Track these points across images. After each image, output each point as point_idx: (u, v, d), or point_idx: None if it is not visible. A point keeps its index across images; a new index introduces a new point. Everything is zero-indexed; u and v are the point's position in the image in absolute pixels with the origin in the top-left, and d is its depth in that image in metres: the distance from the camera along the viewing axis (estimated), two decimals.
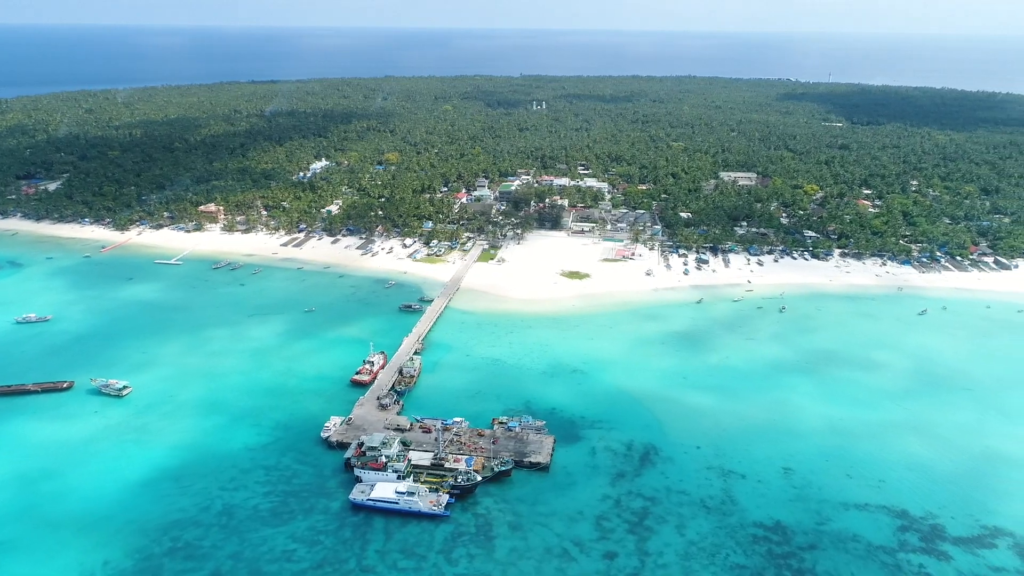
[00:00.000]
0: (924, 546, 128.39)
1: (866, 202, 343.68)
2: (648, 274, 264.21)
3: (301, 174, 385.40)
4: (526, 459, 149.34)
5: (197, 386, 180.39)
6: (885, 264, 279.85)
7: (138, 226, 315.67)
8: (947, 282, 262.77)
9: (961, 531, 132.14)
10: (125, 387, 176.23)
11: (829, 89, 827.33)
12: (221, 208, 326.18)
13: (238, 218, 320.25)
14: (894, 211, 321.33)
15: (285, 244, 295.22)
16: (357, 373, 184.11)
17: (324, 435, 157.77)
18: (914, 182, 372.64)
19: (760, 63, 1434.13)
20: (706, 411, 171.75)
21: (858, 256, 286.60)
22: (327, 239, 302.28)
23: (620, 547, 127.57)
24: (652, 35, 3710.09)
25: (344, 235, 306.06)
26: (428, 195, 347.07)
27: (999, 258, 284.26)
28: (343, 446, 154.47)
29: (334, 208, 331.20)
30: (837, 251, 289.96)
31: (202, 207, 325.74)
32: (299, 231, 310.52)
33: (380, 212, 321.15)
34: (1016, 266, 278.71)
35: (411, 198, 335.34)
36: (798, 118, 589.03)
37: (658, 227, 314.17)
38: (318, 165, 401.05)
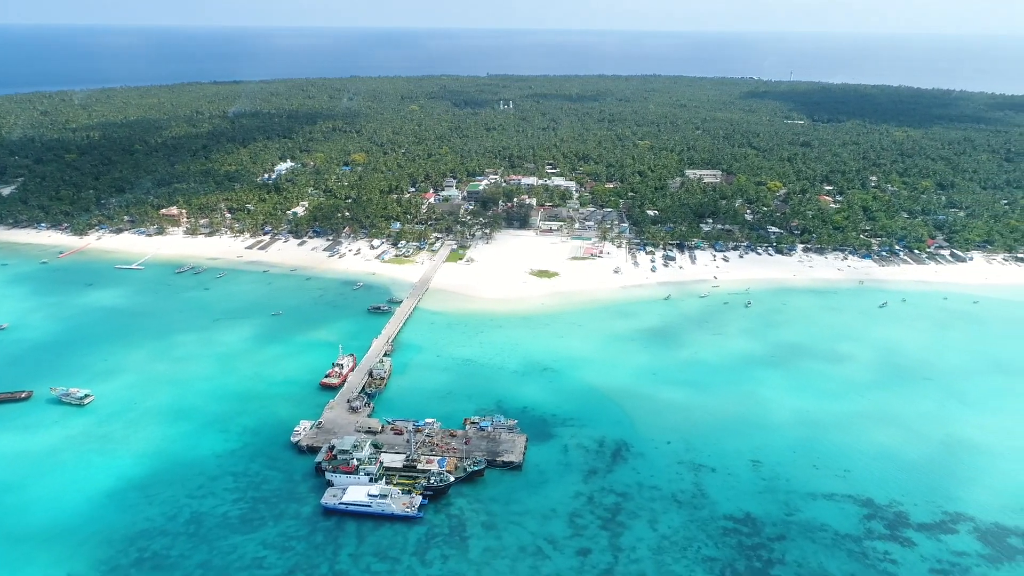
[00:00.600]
0: (889, 533, 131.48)
1: (827, 198, 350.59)
2: (616, 272, 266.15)
3: (266, 176, 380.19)
4: (499, 458, 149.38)
5: (162, 393, 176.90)
6: (847, 258, 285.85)
7: (97, 231, 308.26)
8: (906, 275, 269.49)
9: (924, 517, 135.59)
10: (87, 396, 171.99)
11: (791, 87, 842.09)
12: (184, 211, 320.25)
13: (201, 221, 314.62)
14: (854, 206, 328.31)
15: (250, 247, 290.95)
16: (326, 376, 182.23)
17: (294, 439, 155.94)
18: (873, 178, 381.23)
19: (724, 62, 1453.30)
20: (676, 406, 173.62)
21: (820, 251, 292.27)
22: (293, 241, 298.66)
23: (593, 543, 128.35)
24: (618, 34, 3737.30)
25: (311, 237, 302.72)
26: (396, 196, 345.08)
27: (955, 251, 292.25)
28: (313, 450, 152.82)
29: (300, 210, 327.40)
30: (800, 246, 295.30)
31: (164, 210, 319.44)
32: (264, 233, 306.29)
33: (347, 213, 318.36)
34: (971, 258, 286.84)
35: (378, 199, 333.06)
36: (761, 116, 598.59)
37: (625, 225, 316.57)
38: (283, 166, 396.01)
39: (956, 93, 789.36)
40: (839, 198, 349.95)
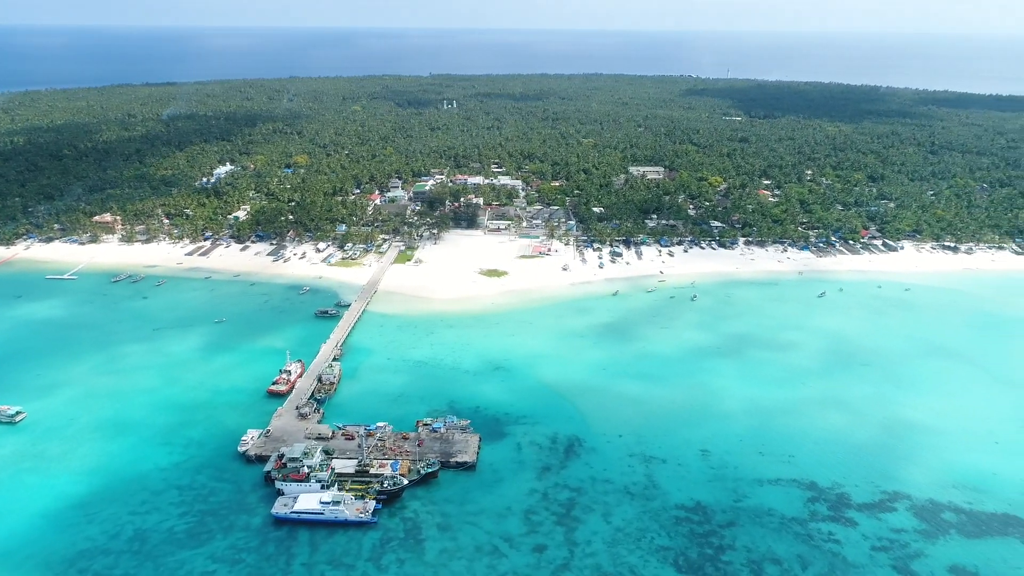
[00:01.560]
0: (832, 514, 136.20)
1: (766, 192, 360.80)
2: (565, 269, 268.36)
3: (204, 180, 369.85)
4: (452, 459, 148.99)
5: (101, 407, 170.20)
6: (786, 250, 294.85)
7: (25, 240, 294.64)
8: (842, 265, 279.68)
9: (864, 498, 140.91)
10: (18, 413, 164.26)
11: (728, 85, 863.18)
12: (118, 218, 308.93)
13: (137, 228, 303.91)
14: (792, 200, 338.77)
15: (190, 253, 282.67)
16: (274, 383, 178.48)
17: (241, 449, 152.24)
18: (808, 172, 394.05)
19: (663, 60, 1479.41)
20: (627, 400, 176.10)
21: (761, 243, 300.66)
22: (235, 246, 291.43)
23: (549, 539, 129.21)
24: (559, 34, 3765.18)
25: (253, 241, 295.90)
26: (340, 197, 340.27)
27: (887, 240, 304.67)
28: (262, 459, 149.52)
29: (241, 214, 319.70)
30: (742, 239, 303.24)
31: (97, 217, 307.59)
32: (205, 239, 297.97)
33: (291, 216, 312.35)
34: (902, 247, 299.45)
35: (323, 201, 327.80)
36: (700, 113, 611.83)
37: (572, 223, 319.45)
38: (222, 170, 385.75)
39: (884, 89, 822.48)
40: (777, 192, 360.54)
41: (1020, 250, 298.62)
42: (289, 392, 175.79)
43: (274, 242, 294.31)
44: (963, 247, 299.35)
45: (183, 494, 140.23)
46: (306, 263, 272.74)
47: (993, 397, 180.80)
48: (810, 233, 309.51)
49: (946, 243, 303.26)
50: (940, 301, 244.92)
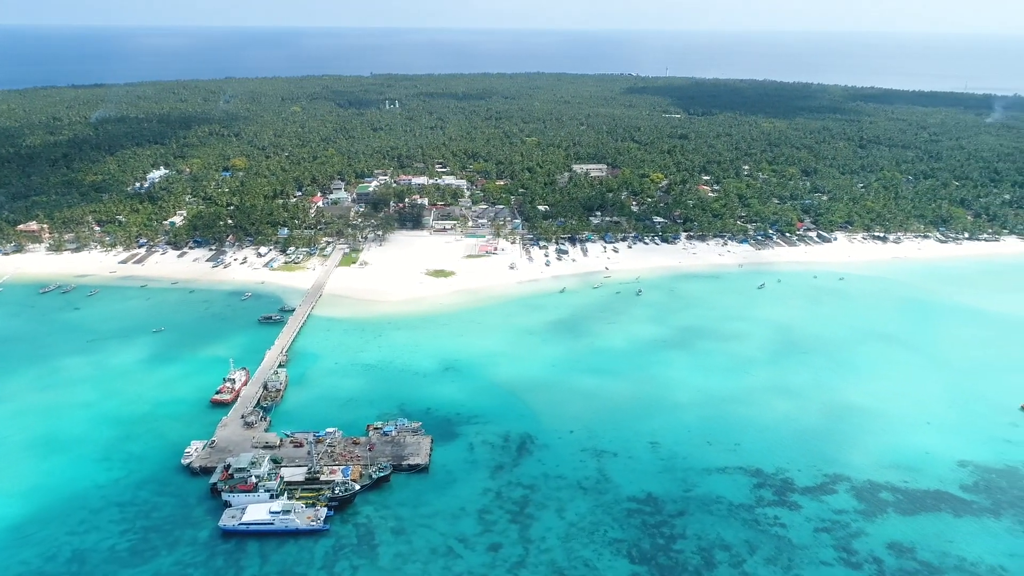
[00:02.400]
0: (777, 499, 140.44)
1: (706, 187, 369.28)
2: (511, 267, 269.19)
3: (138, 185, 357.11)
4: (404, 462, 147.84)
5: (34, 424, 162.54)
6: (726, 243, 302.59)
7: None
8: (780, 256, 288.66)
9: (807, 481, 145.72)
10: None
11: (667, 83, 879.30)
12: (45, 226, 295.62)
13: (66, 236, 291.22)
14: (730, 194, 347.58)
15: (124, 261, 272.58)
16: (217, 392, 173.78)
17: (185, 461, 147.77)
18: (746, 167, 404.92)
19: (604, 59, 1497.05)
20: (577, 396, 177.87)
21: (702, 238, 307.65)
22: (172, 253, 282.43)
23: (504, 538, 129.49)
24: (501, 33, 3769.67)
25: (191, 247, 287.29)
26: (281, 200, 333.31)
27: (821, 232, 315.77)
28: (207, 471, 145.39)
29: (178, 219, 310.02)
30: (684, 234, 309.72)
31: (21, 226, 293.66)
32: (140, 246, 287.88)
33: (230, 221, 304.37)
34: (835, 239, 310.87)
35: (263, 204, 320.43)
36: (641, 111, 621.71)
37: (518, 221, 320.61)
38: (157, 174, 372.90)
39: (815, 86, 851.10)
40: (716, 187, 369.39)
41: (943, 238, 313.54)
42: (234, 401, 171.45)
43: (213, 248, 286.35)
44: (891, 237, 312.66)
45: (124, 511, 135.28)
46: (247, 268, 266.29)
47: (924, 379, 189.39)
48: (749, 227, 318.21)
49: (876, 233, 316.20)
50: (872, 289, 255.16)
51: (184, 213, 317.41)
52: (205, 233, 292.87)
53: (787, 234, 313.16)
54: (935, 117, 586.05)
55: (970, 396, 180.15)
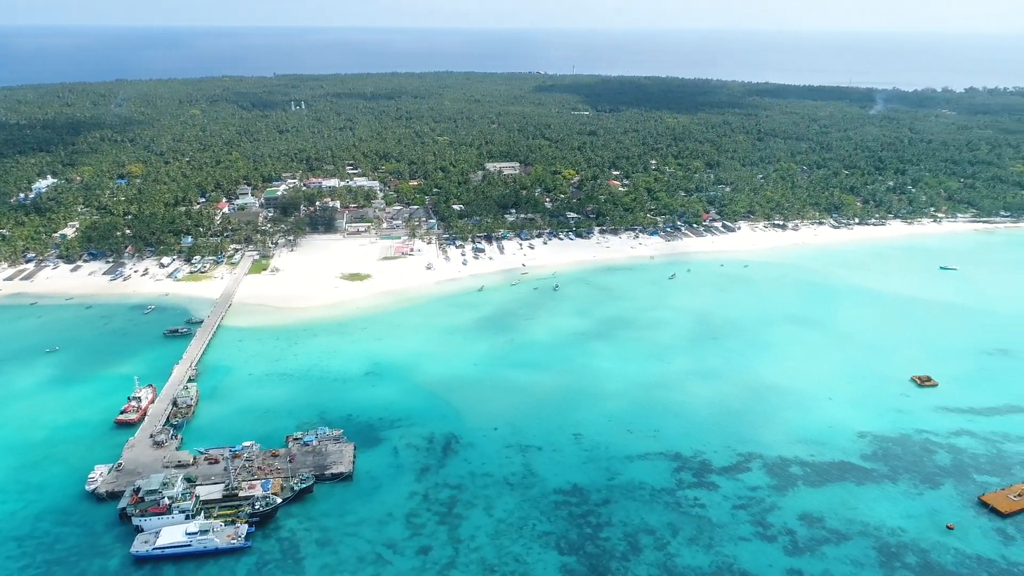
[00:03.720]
0: (696, 481, 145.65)
1: (616, 182, 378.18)
2: (429, 268, 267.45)
3: (22, 195, 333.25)
4: (327, 471, 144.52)
5: None
6: (638, 236, 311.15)
7: None
8: (689, 247, 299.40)
9: (723, 462, 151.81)
10: None
11: (574, 80, 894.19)
12: None
13: None
14: (640, 188, 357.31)
15: (10, 278, 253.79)
16: (122, 412, 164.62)
17: (90, 487, 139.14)
18: (653, 161, 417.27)
19: (511, 57, 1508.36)
20: (501, 392, 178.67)
21: (615, 232, 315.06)
22: (65, 267, 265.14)
23: (433, 540, 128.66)
24: (407, 32, 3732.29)
25: (86, 260, 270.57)
26: (184, 208, 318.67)
27: (726, 222, 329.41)
28: (115, 496, 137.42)
29: (69, 231, 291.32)
30: (597, 229, 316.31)
31: None
32: (27, 261, 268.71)
33: (128, 231, 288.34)
34: (739, 228, 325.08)
35: (164, 212, 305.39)
36: (550, 108, 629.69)
37: (433, 221, 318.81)
38: (43, 184, 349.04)
39: (714, 82, 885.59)
40: (626, 182, 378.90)
41: (837, 224, 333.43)
42: (140, 420, 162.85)
43: (110, 260, 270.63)
44: (790, 224, 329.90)
45: (23, 545, 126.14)
46: (149, 280, 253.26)
47: (825, 357, 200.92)
48: (658, 219, 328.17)
49: (776, 221, 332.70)
50: (775, 274, 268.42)
51: (76, 224, 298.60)
52: (101, 245, 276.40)
53: (694, 225, 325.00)
54: (824, 110, 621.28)
55: (866, 371, 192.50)
